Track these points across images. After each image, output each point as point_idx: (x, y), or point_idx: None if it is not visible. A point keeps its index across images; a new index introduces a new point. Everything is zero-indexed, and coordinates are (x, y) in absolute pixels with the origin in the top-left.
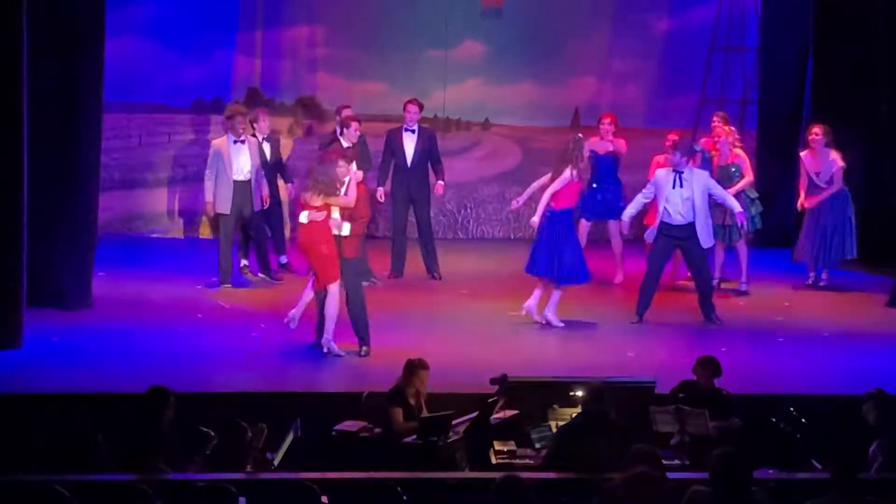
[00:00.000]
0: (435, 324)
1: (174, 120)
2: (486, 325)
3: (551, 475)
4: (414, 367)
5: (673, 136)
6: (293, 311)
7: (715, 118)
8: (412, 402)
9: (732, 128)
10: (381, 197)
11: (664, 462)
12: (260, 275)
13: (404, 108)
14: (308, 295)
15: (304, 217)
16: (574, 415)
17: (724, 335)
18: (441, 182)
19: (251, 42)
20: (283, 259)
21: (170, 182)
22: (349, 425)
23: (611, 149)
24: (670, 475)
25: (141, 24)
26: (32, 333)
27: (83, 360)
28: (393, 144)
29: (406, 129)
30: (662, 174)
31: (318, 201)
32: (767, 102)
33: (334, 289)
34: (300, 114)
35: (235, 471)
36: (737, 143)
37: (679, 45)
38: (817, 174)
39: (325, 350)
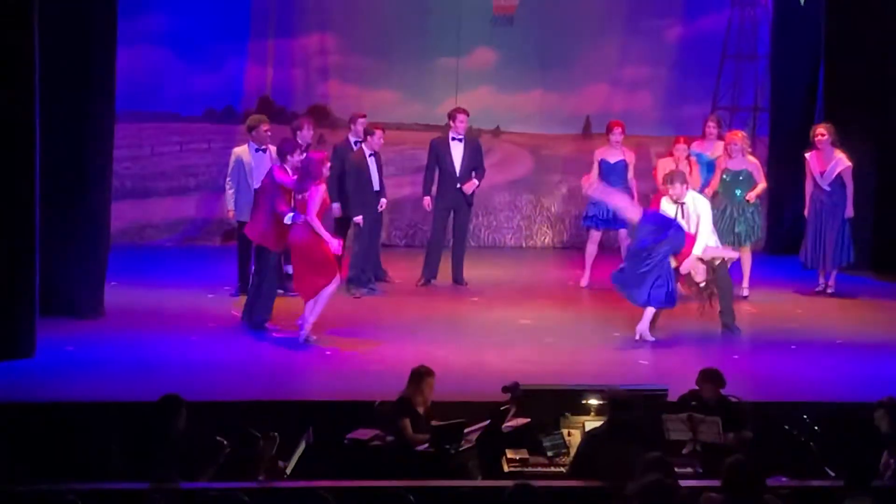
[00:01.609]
0: (447, 332)
1: (186, 129)
2: (498, 333)
3: (564, 483)
4: (420, 375)
5: (680, 143)
6: (305, 330)
7: (710, 122)
8: (421, 410)
9: (745, 133)
10: (427, 205)
11: (677, 470)
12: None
13: (452, 118)
14: (319, 303)
15: (288, 218)
16: (587, 422)
17: (736, 343)
18: (476, 182)
19: (263, 51)
20: (290, 269)
21: (181, 191)
22: (361, 434)
23: (621, 157)
24: (683, 483)
25: (153, 33)
26: (45, 343)
27: (96, 369)
28: (440, 153)
29: (454, 139)
30: (665, 205)
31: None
32: (779, 110)
33: (330, 289)
34: (312, 123)
35: (247, 480)
36: (749, 149)
37: (691, 52)
38: (821, 174)
39: (303, 340)
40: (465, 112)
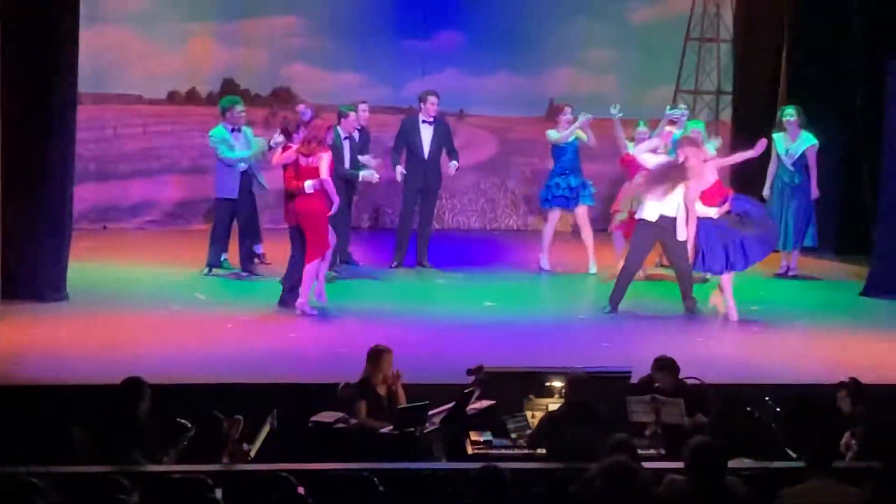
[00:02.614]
0: (411, 314)
1: (149, 111)
2: (463, 316)
3: (529, 465)
4: (378, 354)
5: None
6: (304, 303)
7: (566, 108)
8: (381, 391)
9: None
10: (399, 176)
11: (640, 452)
12: (240, 267)
13: (423, 100)
14: (311, 274)
15: (309, 186)
16: (551, 405)
17: (699, 325)
18: (456, 163)
19: (227, 33)
20: (259, 249)
21: (146, 174)
22: (325, 416)
23: (571, 138)
24: (646, 465)
25: (116, 14)
26: (7, 326)
27: (58, 353)
28: (409, 134)
29: (424, 121)
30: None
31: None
32: (742, 93)
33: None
34: (275, 105)
35: (212, 462)
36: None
37: (655, 36)
38: (787, 151)
39: (299, 311)
40: (436, 95)
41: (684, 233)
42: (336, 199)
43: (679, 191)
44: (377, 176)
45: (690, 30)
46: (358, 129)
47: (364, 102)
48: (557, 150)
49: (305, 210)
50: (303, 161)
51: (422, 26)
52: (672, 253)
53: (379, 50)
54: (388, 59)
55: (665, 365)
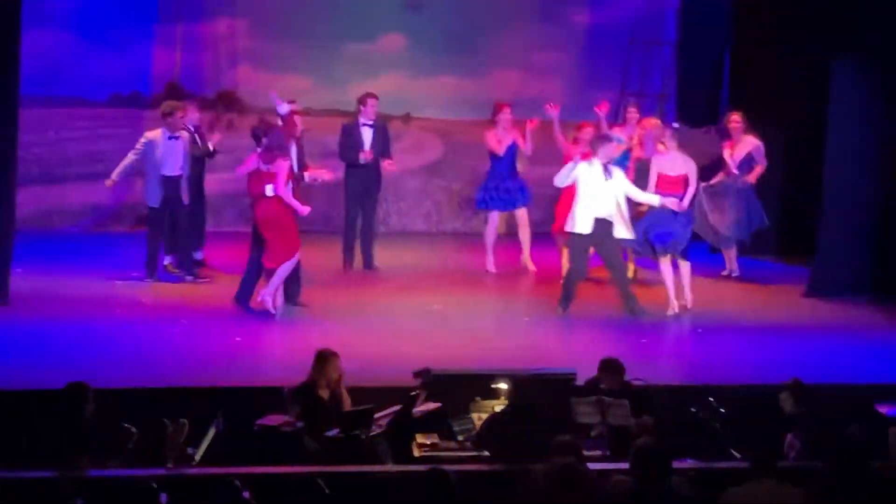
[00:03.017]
0: (358, 317)
1: (93, 114)
2: (409, 319)
3: (475, 467)
4: (324, 358)
5: (589, 128)
6: (268, 297)
7: (631, 108)
8: (324, 394)
9: (658, 121)
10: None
11: (585, 453)
12: (181, 272)
13: (363, 102)
14: (282, 274)
15: (270, 190)
16: (497, 407)
17: (644, 326)
18: (390, 161)
19: (171, 35)
20: (200, 255)
21: (89, 177)
22: (271, 420)
23: (510, 140)
24: (591, 466)
25: (58, 16)
26: None
27: (1, 358)
28: (352, 139)
29: (364, 124)
30: (586, 167)
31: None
32: (685, 96)
33: (292, 263)
34: (220, 108)
35: (156, 467)
36: (662, 140)
37: (599, 38)
38: (732, 155)
39: (271, 309)
40: (375, 97)
41: (623, 231)
42: (300, 208)
43: (615, 190)
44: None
45: (634, 32)
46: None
47: (293, 102)
48: (502, 153)
49: (266, 214)
50: (263, 167)
51: (366, 29)
52: (608, 254)
53: (324, 53)
54: (333, 61)
55: (611, 366)
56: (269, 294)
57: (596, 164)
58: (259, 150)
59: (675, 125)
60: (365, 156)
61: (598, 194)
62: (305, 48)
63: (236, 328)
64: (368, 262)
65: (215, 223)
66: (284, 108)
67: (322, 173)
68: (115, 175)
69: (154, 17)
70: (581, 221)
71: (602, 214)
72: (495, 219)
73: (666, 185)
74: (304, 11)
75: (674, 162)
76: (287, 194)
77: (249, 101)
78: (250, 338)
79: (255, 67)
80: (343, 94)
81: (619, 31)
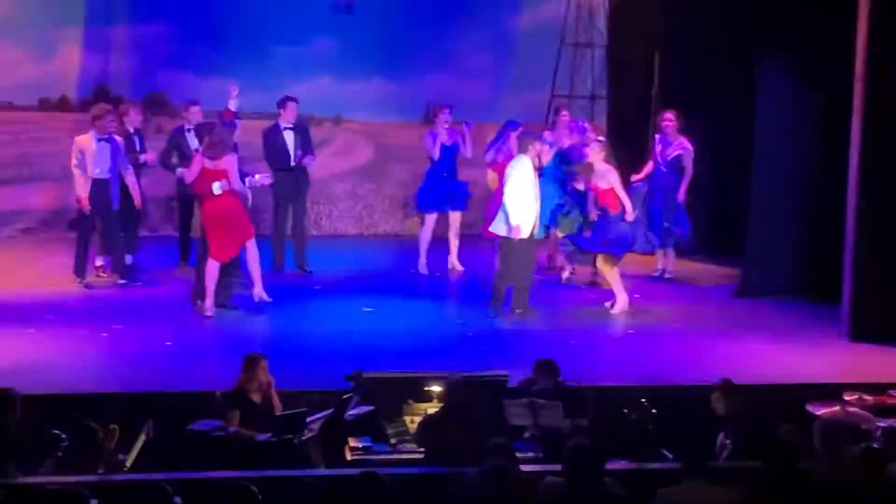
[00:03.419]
0: (289, 320)
1: (20, 118)
2: (341, 321)
3: (407, 471)
4: (252, 361)
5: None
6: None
7: (563, 111)
8: (256, 398)
9: (587, 125)
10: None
11: (518, 455)
12: (110, 275)
13: (283, 106)
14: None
15: (217, 188)
16: (430, 409)
17: (575, 327)
18: (311, 157)
19: (99, 38)
20: (130, 259)
21: (19, 181)
22: (202, 425)
23: (451, 141)
24: (524, 468)
25: None
26: None
27: None
28: (275, 144)
29: (285, 128)
30: (522, 167)
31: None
32: (616, 98)
33: (254, 248)
34: (148, 111)
35: (87, 473)
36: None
37: (530, 41)
38: (662, 153)
39: (257, 300)
40: (295, 100)
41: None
42: (249, 197)
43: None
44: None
45: (565, 35)
46: (189, 130)
47: (195, 104)
48: (442, 154)
49: (216, 211)
50: (209, 164)
51: (297, 32)
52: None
53: (254, 56)
54: (262, 64)
55: (545, 366)
56: (260, 289)
57: (528, 164)
58: (202, 149)
59: (601, 139)
60: (307, 160)
61: (533, 194)
62: (235, 51)
63: (167, 332)
64: (302, 265)
65: (143, 227)
66: (234, 105)
67: (264, 178)
68: (81, 192)
69: (82, 21)
70: (526, 225)
71: (533, 215)
72: (432, 220)
73: (602, 198)
74: (233, 14)
75: (603, 175)
76: (243, 187)
77: (178, 104)
78: (181, 342)
79: (184, 70)
80: (273, 97)
81: (549, 33)
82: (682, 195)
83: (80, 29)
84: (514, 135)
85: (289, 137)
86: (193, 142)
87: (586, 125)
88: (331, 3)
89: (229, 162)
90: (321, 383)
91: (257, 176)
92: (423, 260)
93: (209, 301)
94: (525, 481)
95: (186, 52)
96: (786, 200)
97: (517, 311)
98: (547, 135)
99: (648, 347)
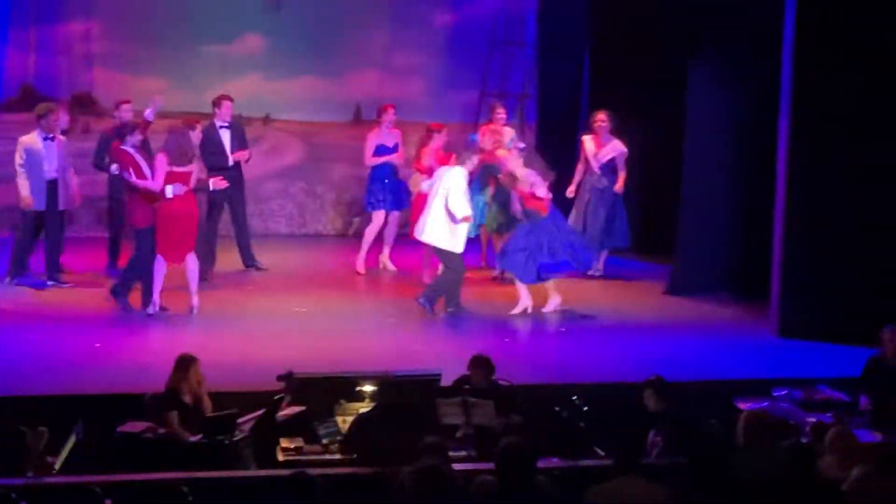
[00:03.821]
0: (219, 321)
1: None
2: (272, 322)
3: (339, 471)
4: (185, 364)
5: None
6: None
7: (498, 109)
8: (189, 400)
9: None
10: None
11: (451, 454)
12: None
13: (217, 104)
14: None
15: (170, 191)
16: (362, 409)
17: (507, 326)
18: (245, 153)
19: (24, 38)
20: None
21: None
22: (132, 426)
23: (395, 140)
24: (457, 466)
25: None
26: None
27: None
28: (213, 142)
29: (221, 126)
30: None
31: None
32: (545, 97)
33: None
34: (76, 111)
35: (15, 476)
36: (499, 144)
37: (460, 39)
38: (596, 156)
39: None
40: (230, 99)
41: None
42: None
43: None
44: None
45: (495, 33)
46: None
47: (127, 102)
48: (379, 153)
49: (168, 213)
50: (177, 169)
51: (225, 31)
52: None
53: (180, 54)
54: (189, 63)
55: (480, 363)
56: (156, 298)
57: (465, 176)
58: (167, 158)
59: (522, 145)
60: (240, 156)
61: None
62: (162, 50)
63: (96, 334)
64: (251, 261)
65: (72, 228)
66: (152, 116)
67: (219, 182)
68: (25, 192)
69: (7, 20)
70: (462, 237)
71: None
72: (380, 219)
73: (529, 203)
74: (160, 13)
75: (526, 180)
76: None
77: (105, 104)
78: (110, 343)
79: (111, 70)
80: (201, 95)
81: (479, 32)
82: (619, 187)
83: (6, 28)
84: (440, 138)
85: (226, 136)
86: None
87: (479, 135)
88: (260, 2)
89: (192, 168)
90: (252, 384)
91: (211, 182)
92: (362, 257)
93: (156, 297)
94: (457, 480)
95: (114, 51)
96: (716, 198)
97: (449, 309)
98: (478, 135)
99: (580, 345)
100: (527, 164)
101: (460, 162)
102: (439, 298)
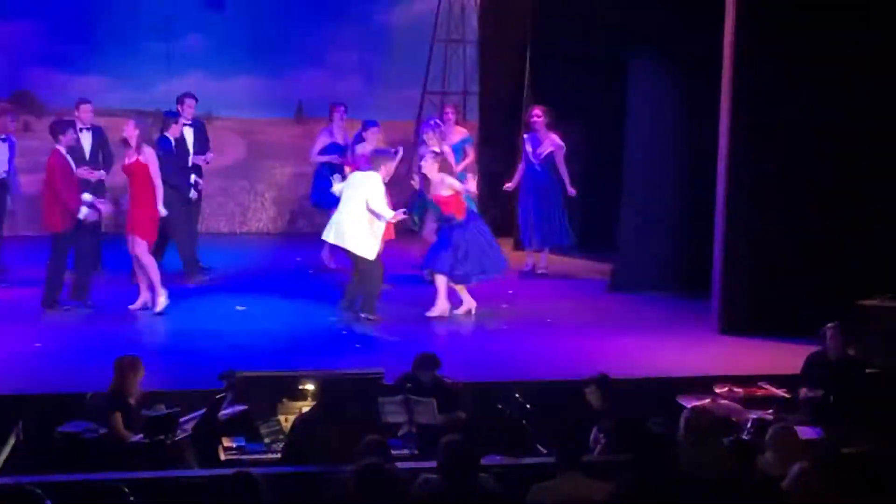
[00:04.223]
0: (161, 320)
1: None
2: (214, 320)
3: (282, 470)
4: (127, 366)
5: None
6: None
7: (448, 109)
8: (132, 401)
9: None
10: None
11: (393, 452)
12: None
13: (181, 102)
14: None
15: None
16: (304, 408)
17: (450, 324)
18: (210, 154)
19: None
20: None
21: None
22: (73, 426)
23: (344, 141)
24: (399, 465)
25: None
26: None
27: None
28: (178, 140)
29: (185, 124)
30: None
31: None
32: (488, 94)
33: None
34: (17, 109)
35: None
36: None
37: (402, 37)
38: (534, 152)
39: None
40: (194, 97)
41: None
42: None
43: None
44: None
45: (436, 31)
46: (88, 129)
47: (87, 103)
48: (329, 151)
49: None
50: (142, 158)
51: (166, 29)
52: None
53: (122, 52)
54: (131, 61)
55: (426, 360)
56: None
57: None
58: (59, 146)
59: (435, 150)
60: (202, 160)
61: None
62: (103, 48)
63: (35, 334)
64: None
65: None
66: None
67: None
68: None
69: None
70: (377, 241)
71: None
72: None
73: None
74: (102, 11)
75: (441, 184)
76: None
77: (46, 103)
78: (49, 343)
79: (52, 68)
80: (143, 93)
81: (421, 30)
82: (571, 190)
83: None
84: (373, 132)
85: (189, 134)
86: (87, 142)
87: (426, 135)
88: (202, 0)
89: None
90: (194, 383)
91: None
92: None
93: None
94: (400, 479)
95: (54, 49)
96: (657, 196)
97: (364, 314)
98: (428, 136)
99: (523, 343)
100: (442, 169)
101: (375, 167)
102: (371, 303)
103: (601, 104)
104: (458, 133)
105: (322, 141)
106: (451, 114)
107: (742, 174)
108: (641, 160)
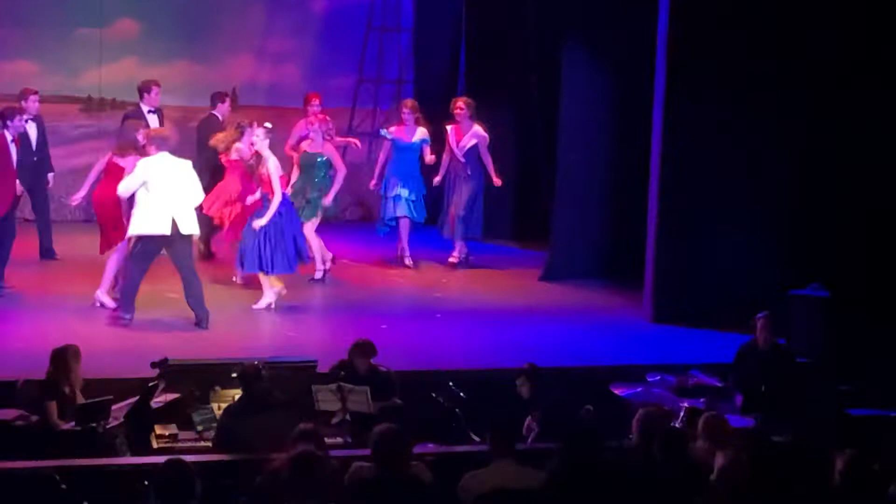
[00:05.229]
0: (90, 307)
1: None
2: (145, 309)
3: (214, 457)
4: (63, 355)
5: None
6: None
7: (405, 108)
8: (67, 390)
9: (326, 116)
10: None
11: (327, 440)
12: None
13: (147, 90)
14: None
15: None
16: (236, 396)
17: (384, 312)
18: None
19: None
20: None
21: None
22: (4, 414)
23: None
24: (333, 453)
25: None
26: None
27: None
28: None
29: (149, 111)
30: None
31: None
32: (422, 83)
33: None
34: None
35: None
36: (330, 135)
37: (336, 24)
38: (458, 144)
39: (98, 304)
40: (158, 84)
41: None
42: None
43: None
44: None
45: (371, 18)
46: (32, 119)
47: (35, 93)
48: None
49: (99, 199)
50: (120, 162)
51: (98, 14)
52: (181, 257)
53: (52, 38)
54: (63, 47)
55: (361, 348)
56: (103, 290)
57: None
58: (7, 131)
59: (267, 125)
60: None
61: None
62: (34, 33)
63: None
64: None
65: None
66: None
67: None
68: None
69: None
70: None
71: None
72: None
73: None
74: None
75: (266, 163)
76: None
77: None
78: None
79: None
80: (75, 79)
81: (356, 17)
82: (497, 180)
83: None
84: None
85: (153, 121)
86: (33, 131)
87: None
88: None
89: (130, 163)
90: (126, 371)
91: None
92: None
93: (103, 289)
94: (333, 467)
95: None
96: (590, 185)
97: (198, 316)
98: (391, 130)
99: (456, 332)
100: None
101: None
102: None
103: (535, 94)
104: (419, 133)
105: (297, 132)
106: (407, 114)
107: (674, 164)
108: (575, 150)
